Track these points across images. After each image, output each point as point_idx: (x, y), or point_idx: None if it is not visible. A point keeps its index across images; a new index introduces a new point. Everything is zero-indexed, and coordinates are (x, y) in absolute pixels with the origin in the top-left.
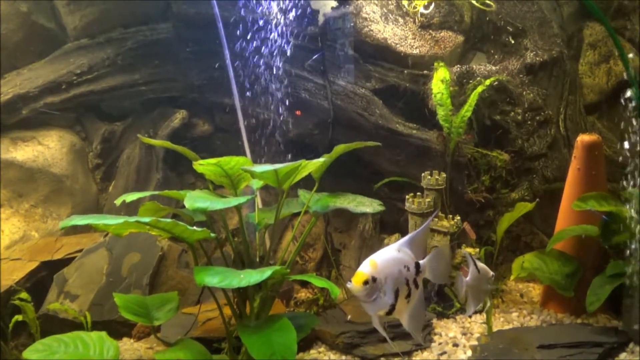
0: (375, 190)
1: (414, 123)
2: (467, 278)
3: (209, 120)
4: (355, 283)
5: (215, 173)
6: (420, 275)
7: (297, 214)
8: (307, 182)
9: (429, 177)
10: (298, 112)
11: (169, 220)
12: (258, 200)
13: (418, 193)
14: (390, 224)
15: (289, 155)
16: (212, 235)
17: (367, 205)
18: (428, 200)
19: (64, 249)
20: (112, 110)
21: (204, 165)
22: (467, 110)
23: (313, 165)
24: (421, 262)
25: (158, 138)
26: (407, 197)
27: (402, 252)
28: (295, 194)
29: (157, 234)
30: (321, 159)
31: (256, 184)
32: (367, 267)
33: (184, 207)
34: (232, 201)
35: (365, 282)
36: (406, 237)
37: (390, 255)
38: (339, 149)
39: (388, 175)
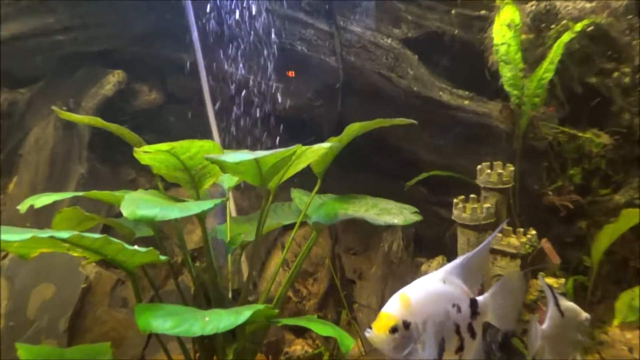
0: (408, 191)
1: (465, 89)
2: (545, 324)
3: (158, 85)
4: (379, 330)
5: (168, 165)
6: (479, 318)
7: (290, 227)
8: (305, 179)
9: (489, 170)
10: (291, 74)
11: (98, 235)
12: (231, 206)
13: (472, 195)
14: (429, 242)
15: (278, 139)
16: (163, 258)
17: (395, 214)
18: (487, 205)
19: None
20: (14, 71)
21: (151, 153)
22: (546, 70)
23: (314, 154)
24: (479, 298)
25: (82, 112)
26: (455, 201)
27: (450, 283)
28: (287, 197)
29: (81, 255)
30: (326, 144)
31: (228, 181)
32: (397, 307)
33: (120, 215)
34: (193, 207)
35: (394, 330)
36: (456, 261)
37: (431, 288)
38: (353, 129)
39: (427, 169)
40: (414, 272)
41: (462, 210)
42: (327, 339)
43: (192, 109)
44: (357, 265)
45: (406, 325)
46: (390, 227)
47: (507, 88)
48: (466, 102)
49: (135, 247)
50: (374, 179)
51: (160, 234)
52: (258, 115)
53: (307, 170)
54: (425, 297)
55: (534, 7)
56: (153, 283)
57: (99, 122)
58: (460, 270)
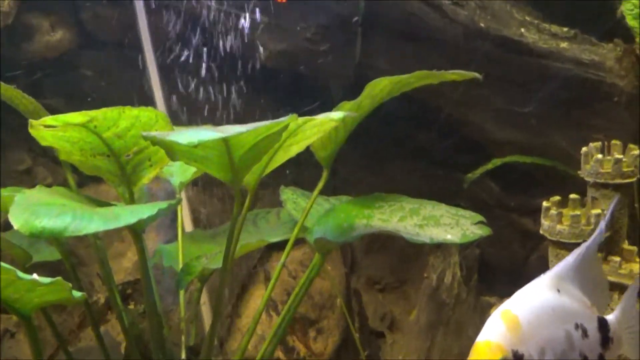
0: (469, 189)
1: (563, 25)
2: None
3: (66, 19)
4: None
5: (83, 146)
6: (612, 347)
7: (280, 247)
8: (303, 171)
9: (600, 156)
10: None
11: None
12: (185, 214)
13: (572, 195)
14: (503, 271)
15: (260, 106)
16: (77, 295)
17: (448, 226)
18: (597, 212)
19: None
20: None
21: (57, 129)
22: None
23: (317, 130)
24: (610, 317)
25: None
26: (545, 204)
27: (566, 293)
28: (274, 200)
29: None
30: (337, 114)
31: (180, 174)
32: (501, 331)
33: (8, 227)
34: (124, 215)
35: None
36: (568, 261)
37: (543, 302)
38: (379, 88)
39: (500, 152)
40: (479, 320)
41: (557, 220)
42: None
43: (121, 57)
44: (387, 309)
45: (518, 357)
46: (440, 247)
47: (630, 22)
48: (564, 44)
49: (34, 276)
50: (415, 169)
51: (71, 259)
52: (227, 67)
53: (307, 156)
54: (539, 315)
55: None
56: (60, 335)
57: None
58: (576, 275)
